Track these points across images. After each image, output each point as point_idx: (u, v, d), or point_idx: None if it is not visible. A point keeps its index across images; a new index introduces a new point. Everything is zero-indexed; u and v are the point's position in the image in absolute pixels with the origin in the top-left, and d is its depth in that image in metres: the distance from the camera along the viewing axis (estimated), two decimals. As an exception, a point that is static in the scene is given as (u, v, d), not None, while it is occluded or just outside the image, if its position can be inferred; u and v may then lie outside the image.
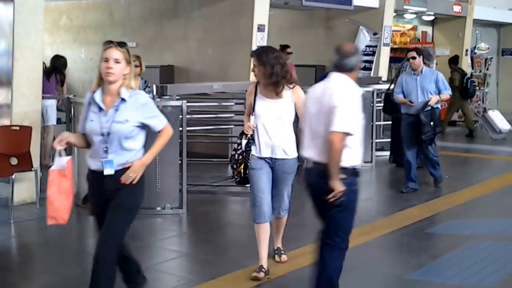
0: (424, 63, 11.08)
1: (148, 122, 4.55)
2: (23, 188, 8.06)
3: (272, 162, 5.62)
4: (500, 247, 6.73)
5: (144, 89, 7.90)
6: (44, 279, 5.91)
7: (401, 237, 7.28)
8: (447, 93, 9.25)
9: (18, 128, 7.92)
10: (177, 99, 8.37)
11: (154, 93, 8.23)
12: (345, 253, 4.85)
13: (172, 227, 7.57)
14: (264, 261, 5.69)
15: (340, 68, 4.68)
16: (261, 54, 5.56)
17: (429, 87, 9.09)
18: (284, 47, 12.13)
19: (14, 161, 7.82)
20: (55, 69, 10.93)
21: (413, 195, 9.01)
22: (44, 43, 9.42)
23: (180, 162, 7.75)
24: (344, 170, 4.55)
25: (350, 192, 4.57)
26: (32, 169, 7.86)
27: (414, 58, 9.15)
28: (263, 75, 5.53)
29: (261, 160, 5.62)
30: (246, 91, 10.03)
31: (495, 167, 11.72)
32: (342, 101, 4.51)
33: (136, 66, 7.55)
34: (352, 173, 4.63)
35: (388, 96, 10.86)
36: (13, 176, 7.55)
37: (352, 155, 4.59)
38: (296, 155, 5.61)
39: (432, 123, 8.99)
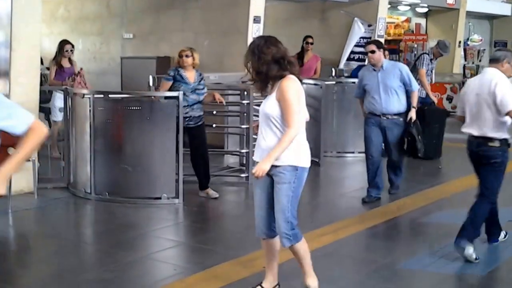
0: (440, 54, 11.21)
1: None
2: (21, 178, 8.09)
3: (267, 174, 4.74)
4: (492, 236, 6.78)
5: (199, 82, 8.04)
6: (41, 268, 5.94)
7: (395, 226, 7.34)
8: (415, 90, 8.10)
9: (15, 118, 7.93)
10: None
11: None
12: (491, 207, 6.13)
13: (169, 216, 7.61)
14: (266, 279, 5.11)
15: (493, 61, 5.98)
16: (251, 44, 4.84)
17: (392, 83, 7.95)
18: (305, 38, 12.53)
19: (12, 151, 7.83)
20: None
21: (408, 185, 9.06)
22: (41, 34, 9.45)
23: (176, 152, 7.81)
24: (500, 141, 5.88)
25: (503, 158, 5.94)
26: (30, 159, 7.90)
27: (373, 52, 8.00)
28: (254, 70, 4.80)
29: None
30: (242, 82, 10.16)
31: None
32: (504, 88, 5.75)
33: (186, 56, 7.94)
34: (505, 143, 5.89)
35: None
36: (11, 166, 7.56)
37: (506, 128, 5.90)
38: (293, 163, 4.74)
39: (419, 137, 8.12)
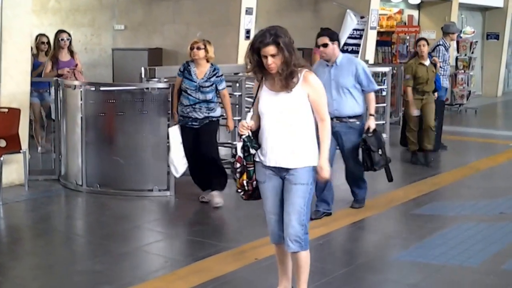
0: (451, 35, 11.40)
1: None
2: (11, 170, 8.07)
3: (279, 172, 4.48)
4: (484, 228, 6.81)
5: (209, 78, 7.30)
6: (32, 260, 5.94)
7: (387, 218, 7.36)
8: (371, 91, 7.02)
9: (6, 110, 7.93)
10: (165, 82, 8.41)
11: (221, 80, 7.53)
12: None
13: (160, 209, 7.61)
14: (281, 285, 4.82)
15: None
16: (279, 37, 4.34)
17: (345, 82, 6.86)
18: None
19: (2, 143, 7.84)
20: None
21: (399, 177, 9.08)
22: (32, 25, 9.41)
23: (167, 144, 7.79)
24: None
25: None
26: (21, 151, 7.88)
27: (325, 45, 6.82)
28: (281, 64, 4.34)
29: (266, 169, 4.52)
30: (234, 73, 10.15)
31: (480, 149, 11.82)
32: None
33: (198, 48, 7.22)
34: None
35: None
36: (1, 158, 7.56)
37: None
38: (311, 163, 4.45)
39: (380, 150, 7.05)
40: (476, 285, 5.41)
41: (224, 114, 7.69)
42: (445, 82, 11.36)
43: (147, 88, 8.03)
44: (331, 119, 5.62)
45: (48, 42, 10.39)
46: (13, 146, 7.82)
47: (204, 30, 11.95)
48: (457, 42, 17.86)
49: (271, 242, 4.70)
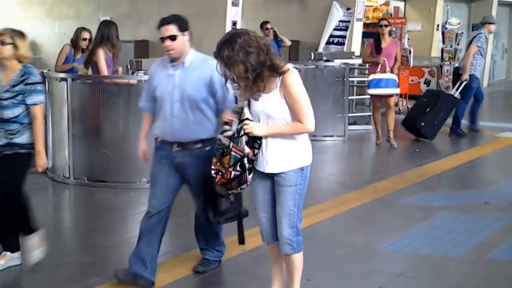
0: (490, 25, 11.99)
1: None
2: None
3: (268, 175, 4.30)
4: (468, 218, 6.87)
5: (15, 86, 5.05)
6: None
7: (373, 209, 7.39)
8: (228, 109, 4.73)
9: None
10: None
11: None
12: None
13: (147, 200, 7.60)
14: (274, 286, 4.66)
15: None
16: (223, 50, 4.03)
17: (194, 92, 4.78)
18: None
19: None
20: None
21: (386, 168, 9.13)
22: (16, 17, 9.37)
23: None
24: None
25: None
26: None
27: (173, 38, 4.79)
28: (240, 77, 4.04)
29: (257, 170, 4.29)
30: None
31: (466, 140, 11.90)
32: None
33: (2, 43, 5.06)
34: None
35: (457, 70, 12.04)
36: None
37: None
38: (298, 165, 4.24)
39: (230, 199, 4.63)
40: (462, 274, 5.46)
41: None
42: (478, 72, 11.80)
43: (134, 80, 8.05)
44: (171, 144, 4.93)
45: (90, 39, 9.02)
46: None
47: (190, 21, 11.87)
48: (443, 34, 17.98)
49: (263, 241, 4.59)
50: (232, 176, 4.21)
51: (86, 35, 9.09)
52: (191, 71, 4.84)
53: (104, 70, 8.15)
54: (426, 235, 6.29)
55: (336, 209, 7.12)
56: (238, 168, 4.18)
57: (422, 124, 11.25)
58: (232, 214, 4.67)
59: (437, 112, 11.36)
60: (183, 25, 4.90)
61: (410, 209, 7.26)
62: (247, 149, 4.15)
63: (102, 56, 8.16)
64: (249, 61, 3.99)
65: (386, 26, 10.65)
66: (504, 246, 6.08)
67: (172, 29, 4.82)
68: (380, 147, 10.67)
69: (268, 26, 12.39)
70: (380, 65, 10.32)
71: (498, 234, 6.43)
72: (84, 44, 9.00)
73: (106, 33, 8.25)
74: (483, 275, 5.44)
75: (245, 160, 4.16)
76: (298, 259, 4.45)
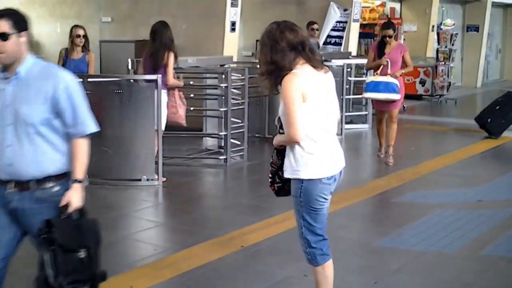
0: None
1: None
2: None
3: None
4: (463, 215, 6.96)
5: None
6: (20, 250, 5.97)
7: (369, 206, 7.49)
8: (82, 137, 3.96)
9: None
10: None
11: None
12: None
13: (148, 198, 7.70)
14: None
15: None
16: (265, 31, 4.11)
17: (31, 112, 3.53)
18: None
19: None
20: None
21: (381, 166, 9.23)
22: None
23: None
24: None
25: None
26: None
27: (4, 37, 3.46)
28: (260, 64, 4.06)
29: None
30: (220, 65, 10.26)
31: (459, 139, 12.00)
32: None
33: None
34: None
35: None
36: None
37: None
38: (299, 176, 4.04)
39: (84, 250, 3.73)
40: (456, 270, 5.53)
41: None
42: None
43: (134, 80, 8.14)
44: (4, 183, 3.58)
45: (85, 36, 8.93)
46: None
47: (190, 22, 12.04)
48: (438, 34, 18.12)
49: None
50: (276, 189, 4.25)
51: (80, 31, 8.87)
52: (27, 84, 3.54)
53: (171, 75, 8.01)
54: (421, 232, 6.37)
55: (333, 207, 7.08)
56: (277, 179, 4.19)
57: (489, 120, 11.74)
58: (81, 277, 3.60)
59: (506, 111, 11.80)
60: (19, 23, 3.54)
61: (405, 207, 7.33)
62: (279, 161, 4.14)
63: (173, 60, 8.01)
64: (267, 53, 3.95)
65: (390, 37, 9.35)
66: (498, 242, 6.18)
67: (2, 25, 3.48)
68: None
69: (315, 26, 12.36)
70: (382, 66, 9.23)
71: (492, 231, 6.51)
72: (79, 41, 8.85)
73: (169, 35, 8.14)
74: (477, 271, 5.52)
75: (280, 172, 4.14)
76: (316, 273, 4.21)
